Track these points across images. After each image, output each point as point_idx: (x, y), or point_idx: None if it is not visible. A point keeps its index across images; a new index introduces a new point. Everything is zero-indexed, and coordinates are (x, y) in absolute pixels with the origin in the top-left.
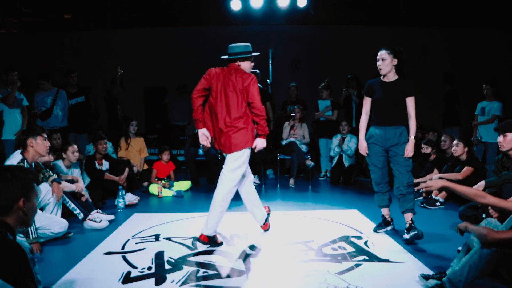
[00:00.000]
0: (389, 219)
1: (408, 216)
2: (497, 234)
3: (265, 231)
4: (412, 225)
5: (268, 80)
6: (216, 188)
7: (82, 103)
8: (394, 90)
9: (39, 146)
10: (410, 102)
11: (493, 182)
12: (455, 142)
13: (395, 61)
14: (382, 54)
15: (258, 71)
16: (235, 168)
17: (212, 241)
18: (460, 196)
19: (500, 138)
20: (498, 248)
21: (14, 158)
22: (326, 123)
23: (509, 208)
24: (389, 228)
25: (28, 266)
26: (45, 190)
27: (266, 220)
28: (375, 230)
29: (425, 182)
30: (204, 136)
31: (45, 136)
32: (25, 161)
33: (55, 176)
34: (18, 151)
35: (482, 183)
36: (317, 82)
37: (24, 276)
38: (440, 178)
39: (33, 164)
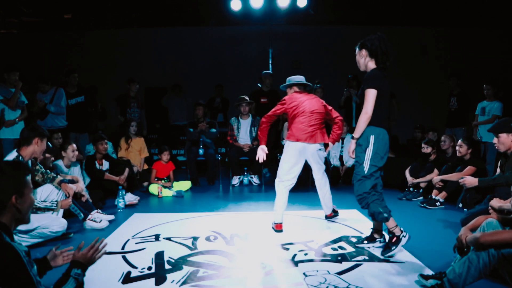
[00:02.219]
0: (376, 235)
1: (387, 225)
2: (490, 236)
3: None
4: (391, 241)
5: None
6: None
7: (82, 103)
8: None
9: (41, 147)
10: (365, 96)
11: (486, 182)
12: (459, 142)
13: (363, 53)
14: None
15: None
16: None
17: (336, 212)
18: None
19: (495, 140)
20: (496, 249)
21: (10, 156)
22: None
23: None
24: (372, 245)
25: (24, 269)
26: (48, 191)
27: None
28: (356, 243)
29: (425, 182)
30: None
31: (46, 140)
32: (21, 158)
33: (60, 178)
34: (15, 150)
35: (475, 181)
36: None
37: (20, 280)
38: (442, 179)
39: (29, 162)
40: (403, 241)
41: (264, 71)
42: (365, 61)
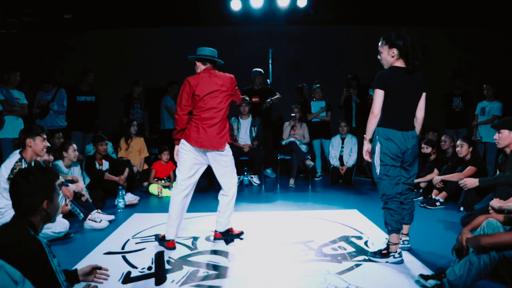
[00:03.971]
0: (393, 248)
1: (389, 237)
2: (491, 238)
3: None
4: (381, 252)
5: (268, 80)
6: None
7: (91, 102)
8: None
9: (37, 146)
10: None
11: (486, 182)
12: (459, 142)
13: (394, 52)
14: (378, 47)
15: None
16: None
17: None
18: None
19: (496, 136)
20: (497, 251)
21: (13, 158)
22: (320, 125)
23: None
24: (385, 260)
25: (46, 260)
26: None
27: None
28: (368, 256)
29: (425, 182)
30: None
31: (45, 136)
32: (23, 160)
33: (62, 179)
34: (17, 151)
35: (476, 182)
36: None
37: (43, 269)
38: (442, 179)
39: (32, 163)
40: (391, 260)
41: (254, 69)
42: (392, 60)
